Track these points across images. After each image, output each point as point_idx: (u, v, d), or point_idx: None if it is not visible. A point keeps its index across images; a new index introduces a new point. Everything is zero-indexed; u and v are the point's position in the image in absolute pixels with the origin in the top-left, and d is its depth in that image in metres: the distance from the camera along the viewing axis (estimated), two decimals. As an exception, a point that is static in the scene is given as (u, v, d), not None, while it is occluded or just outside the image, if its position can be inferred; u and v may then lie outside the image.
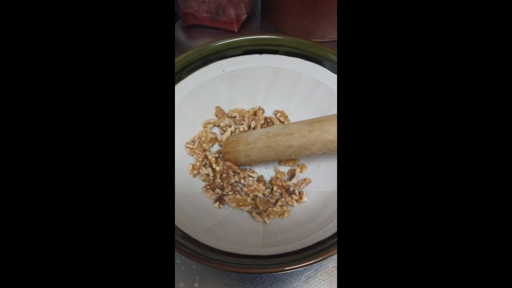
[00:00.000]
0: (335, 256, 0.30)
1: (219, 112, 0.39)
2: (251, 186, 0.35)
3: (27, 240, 0.15)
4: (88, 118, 0.16)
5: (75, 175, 0.16)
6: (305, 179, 0.35)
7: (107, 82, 0.16)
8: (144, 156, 0.16)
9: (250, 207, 0.33)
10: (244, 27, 0.55)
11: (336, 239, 0.26)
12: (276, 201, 0.34)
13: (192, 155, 0.36)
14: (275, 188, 0.34)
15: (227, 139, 0.36)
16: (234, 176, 0.36)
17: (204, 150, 0.37)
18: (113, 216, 0.16)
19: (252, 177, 0.36)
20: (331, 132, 0.28)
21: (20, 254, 0.15)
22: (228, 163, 0.35)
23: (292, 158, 0.35)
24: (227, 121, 0.38)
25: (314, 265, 0.24)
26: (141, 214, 0.16)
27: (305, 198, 0.34)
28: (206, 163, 0.36)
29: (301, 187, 0.35)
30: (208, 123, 0.38)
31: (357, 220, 0.15)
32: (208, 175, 0.36)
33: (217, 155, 0.37)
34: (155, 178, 0.16)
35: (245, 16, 0.52)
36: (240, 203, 0.33)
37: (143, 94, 0.17)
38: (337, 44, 0.18)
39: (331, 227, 0.28)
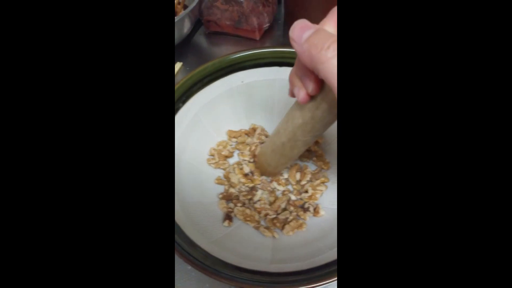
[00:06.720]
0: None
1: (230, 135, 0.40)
2: (263, 205, 0.35)
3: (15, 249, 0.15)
4: (84, 125, 0.16)
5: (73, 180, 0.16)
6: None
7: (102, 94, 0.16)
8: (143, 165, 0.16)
9: (256, 223, 0.33)
10: (266, 35, 0.55)
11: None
12: (286, 218, 0.34)
13: (217, 168, 0.37)
14: (292, 208, 0.34)
15: (257, 154, 0.37)
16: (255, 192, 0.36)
17: (226, 157, 0.38)
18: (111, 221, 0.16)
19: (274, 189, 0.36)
20: (296, 116, 0.26)
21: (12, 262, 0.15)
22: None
23: (296, 157, 0.32)
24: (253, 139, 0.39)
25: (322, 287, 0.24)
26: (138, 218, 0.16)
27: (322, 212, 0.34)
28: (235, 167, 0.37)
29: (315, 197, 0.35)
30: (234, 136, 0.39)
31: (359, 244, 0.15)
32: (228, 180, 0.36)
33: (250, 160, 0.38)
34: (155, 182, 0.16)
35: (267, 25, 0.53)
36: (248, 218, 0.33)
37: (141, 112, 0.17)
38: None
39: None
